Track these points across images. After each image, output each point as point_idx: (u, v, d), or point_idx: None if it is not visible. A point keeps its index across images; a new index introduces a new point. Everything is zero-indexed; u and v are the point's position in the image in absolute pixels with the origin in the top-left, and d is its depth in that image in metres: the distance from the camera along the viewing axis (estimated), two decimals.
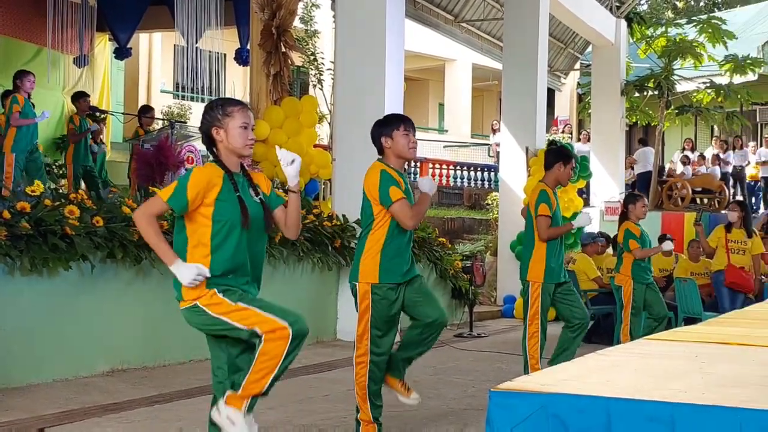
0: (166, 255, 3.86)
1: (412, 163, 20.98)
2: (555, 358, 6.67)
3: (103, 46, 15.07)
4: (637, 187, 18.80)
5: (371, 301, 4.98)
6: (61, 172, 12.60)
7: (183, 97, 18.88)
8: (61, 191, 7.46)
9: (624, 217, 8.61)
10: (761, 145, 21.12)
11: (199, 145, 10.45)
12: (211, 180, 3.86)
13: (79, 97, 12.04)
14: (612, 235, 11.08)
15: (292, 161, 4.03)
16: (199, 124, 4.05)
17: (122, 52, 14.80)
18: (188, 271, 3.82)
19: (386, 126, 5.10)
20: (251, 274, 3.99)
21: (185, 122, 14.65)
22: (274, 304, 3.89)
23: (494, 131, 23.32)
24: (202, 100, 16.49)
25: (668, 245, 8.98)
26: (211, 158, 4.04)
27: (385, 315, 5.01)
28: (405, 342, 5.17)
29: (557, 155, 6.81)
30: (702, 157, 20.48)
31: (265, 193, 4.09)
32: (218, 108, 3.98)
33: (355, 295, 5.06)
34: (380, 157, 5.14)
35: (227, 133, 3.93)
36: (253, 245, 3.99)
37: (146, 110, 12.66)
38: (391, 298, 4.99)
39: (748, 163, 20.52)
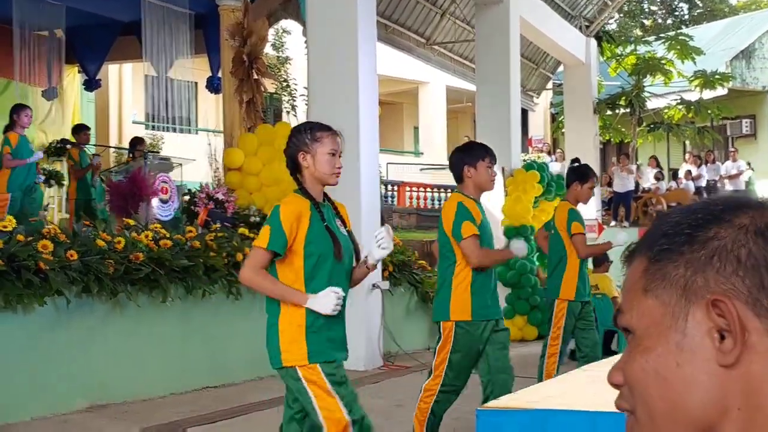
0: (294, 297, 3.58)
1: (389, 187, 21.00)
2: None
3: (72, 77, 14.98)
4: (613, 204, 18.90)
5: (454, 335, 4.90)
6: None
7: (155, 128, 18.75)
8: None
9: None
10: (728, 159, 21.26)
11: (174, 176, 10.36)
12: (300, 211, 3.64)
13: (79, 130, 11.81)
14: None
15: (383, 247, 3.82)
16: (285, 148, 3.86)
17: (92, 83, 14.71)
18: (326, 300, 3.55)
19: (470, 155, 5.05)
20: (343, 319, 3.76)
21: (158, 152, 14.55)
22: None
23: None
24: (174, 130, 16.45)
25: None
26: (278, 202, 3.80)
27: (468, 350, 4.93)
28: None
29: (573, 174, 6.83)
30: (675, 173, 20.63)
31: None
32: (306, 132, 3.82)
33: (439, 331, 4.99)
34: (458, 185, 5.08)
35: (314, 159, 3.75)
36: (342, 281, 3.74)
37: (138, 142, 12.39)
38: (477, 333, 4.91)
39: (720, 176, 20.67)
